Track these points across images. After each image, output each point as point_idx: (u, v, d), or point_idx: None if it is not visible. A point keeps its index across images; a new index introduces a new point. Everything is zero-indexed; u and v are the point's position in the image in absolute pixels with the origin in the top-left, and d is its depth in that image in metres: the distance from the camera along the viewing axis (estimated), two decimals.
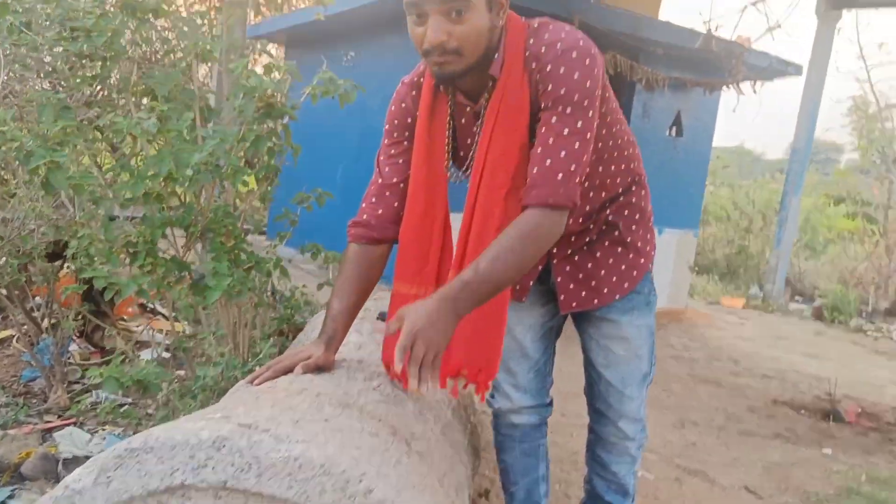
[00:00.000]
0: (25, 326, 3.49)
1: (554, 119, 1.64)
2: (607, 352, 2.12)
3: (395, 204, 1.90)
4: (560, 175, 1.62)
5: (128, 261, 2.43)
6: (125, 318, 4.07)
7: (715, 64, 6.76)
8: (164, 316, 4.28)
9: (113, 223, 2.37)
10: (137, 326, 3.93)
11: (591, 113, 1.65)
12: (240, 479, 1.29)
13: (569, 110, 1.63)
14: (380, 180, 1.94)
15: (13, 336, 3.88)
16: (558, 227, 1.66)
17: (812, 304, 9.03)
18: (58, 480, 2.54)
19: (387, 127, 1.94)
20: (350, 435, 1.47)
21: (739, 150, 31.41)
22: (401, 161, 1.91)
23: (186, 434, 1.32)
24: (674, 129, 7.24)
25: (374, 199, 1.93)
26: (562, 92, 1.63)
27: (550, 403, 2.30)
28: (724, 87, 7.04)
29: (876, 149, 10.46)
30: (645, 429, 2.25)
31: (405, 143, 1.89)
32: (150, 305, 4.35)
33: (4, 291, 3.37)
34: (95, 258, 2.45)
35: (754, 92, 7.05)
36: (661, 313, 7.25)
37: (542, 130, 1.66)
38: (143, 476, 1.30)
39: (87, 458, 2.62)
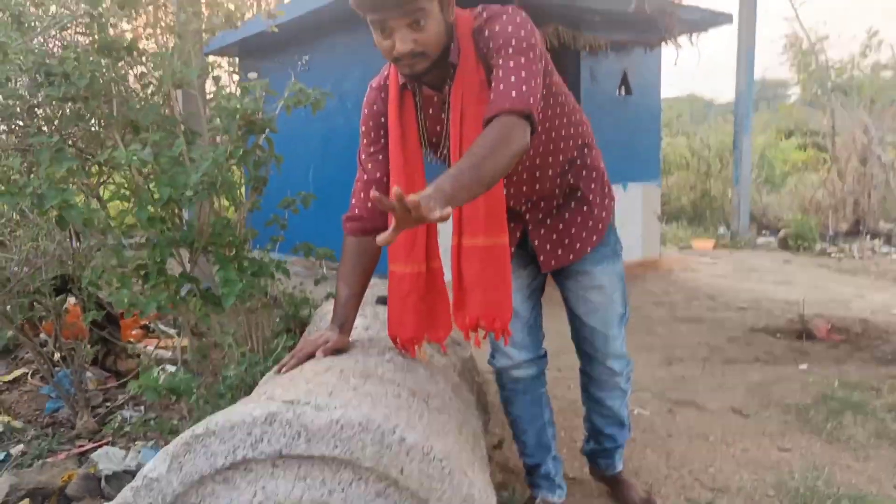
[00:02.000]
0: (39, 362, 3.66)
1: (500, 61, 1.81)
2: (587, 301, 2.37)
3: (391, 185, 2.08)
4: (514, 92, 1.75)
5: (140, 283, 2.62)
6: (131, 340, 4.25)
7: (652, 22, 7.03)
8: (165, 333, 4.48)
9: (122, 248, 2.57)
10: (144, 347, 4.12)
11: (531, 53, 1.81)
12: (292, 447, 1.51)
13: (511, 51, 1.80)
14: (365, 177, 2.14)
15: (26, 374, 4.05)
16: (521, 130, 1.72)
17: (777, 236, 9.39)
18: (103, 496, 2.74)
19: (363, 129, 2.14)
20: (377, 398, 1.70)
21: (691, 98, 31.83)
22: (381, 157, 2.11)
23: (241, 415, 1.53)
24: (622, 88, 7.51)
25: (362, 195, 2.14)
26: (501, 41, 1.82)
27: (545, 355, 2.54)
28: (664, 43, 7.34)
29: (815, 81, 10.82)
30: (630, 362, 2.51)
31: (382, 140, 2.09)
32: (152, 327, 4.53)
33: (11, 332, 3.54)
34: (108, 284, 2.65)
35: (692, 44, 7.40)
36: (638, 264, 7.60)
37: (494, 73, 1.82)
38: (210, 457, 1.52)
39: (126, 472, 2.82)
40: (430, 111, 2.04)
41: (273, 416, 1.52)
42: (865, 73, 11.13)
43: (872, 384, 3.92)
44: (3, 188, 2.25)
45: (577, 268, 2.32)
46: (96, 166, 2.86)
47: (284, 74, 7.54)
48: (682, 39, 7.43)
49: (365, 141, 2.13)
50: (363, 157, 2.15)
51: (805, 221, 8.86)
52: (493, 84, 1.80)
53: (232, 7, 3.37)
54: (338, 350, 2.04)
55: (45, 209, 2.26)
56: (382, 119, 2.08)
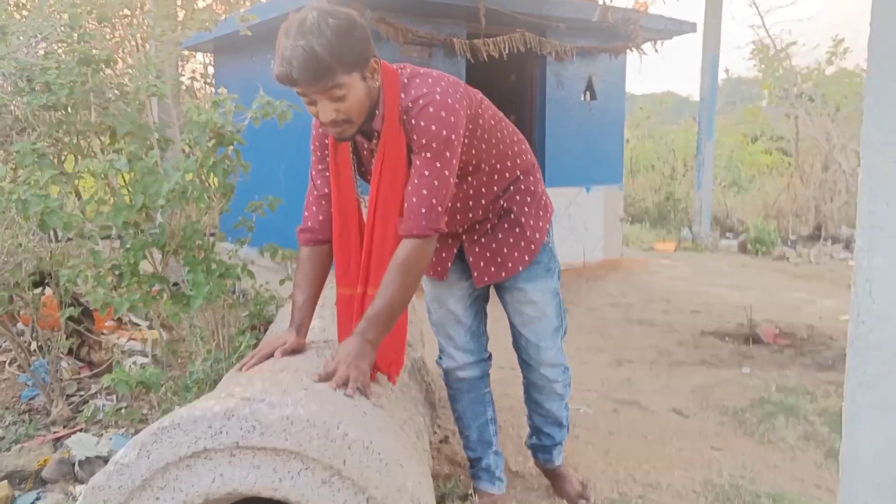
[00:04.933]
0: (17, 351, 3.82)
1: (418, 162, 2.06)
2: (521, 314, 2.60)
3: (332, 209, 2.28)
4: (423, 209, 2.03)
5: (114, 282, 2.81)
6: (104, 332, 4.42)
7: (616, 30, 7.27)
8: (137, 325, 4.65)
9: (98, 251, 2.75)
10: (118, 339, 4.30)
11: (447, 154, 2.06)
12: (248, 439, 1.72)
13: (428, 155, 2.05)
14: (315, 192, 2.33)
15: (3, 362, 4.21)
16: (427, 251, 2.07)
17: (738, 240, 9.70)
18: (76, 480, 2.92)
19: (312, 147, 2.32)
20: (326, 396, 1.90)
21: (667, 94, 32.13)
22: (328, 174, 2.28)
23: (203, 410, 1.74)
24: (587, 93, 7.76)
25: (314, 208, 2.32)
26: (423, 141, 2.05)
27: (489, 358, 2.76)
28: (628, 50, 7.59)
29: (781, 87, 11.15)
30: (566, 370, 2.73)
31: (327, 159, 2.27)
32: (126, 319, 4.70)
33: None
34: (83, 282, 2.83)
35: (656, 51, 7.66)
36: (599, 265, 7.85)
37: (412, 171, 2.08)
38: (175, 446, 1.72)
39: (99, 458, 3.01)
40: (365, 152, 2.24)
41: (231, 412, 1.72)
42: (831, 79, 11.45)
43: (808, 389, 4.17)
44: None
45: (511, 284, 2.54)
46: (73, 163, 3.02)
47: (258, 71, 7.68)
48: (647, 47, 7.69)
49: (314, 158, 2.32)
50: (313, 173, 2.33)
51: (765, 226, 9.16)
52: (408, 185, 2.07)
53: (206, 15, 3.54)
54: (294, 351, 2.23)
55: (29, 214, 2.44)
56: (327, 140, 2.25)
